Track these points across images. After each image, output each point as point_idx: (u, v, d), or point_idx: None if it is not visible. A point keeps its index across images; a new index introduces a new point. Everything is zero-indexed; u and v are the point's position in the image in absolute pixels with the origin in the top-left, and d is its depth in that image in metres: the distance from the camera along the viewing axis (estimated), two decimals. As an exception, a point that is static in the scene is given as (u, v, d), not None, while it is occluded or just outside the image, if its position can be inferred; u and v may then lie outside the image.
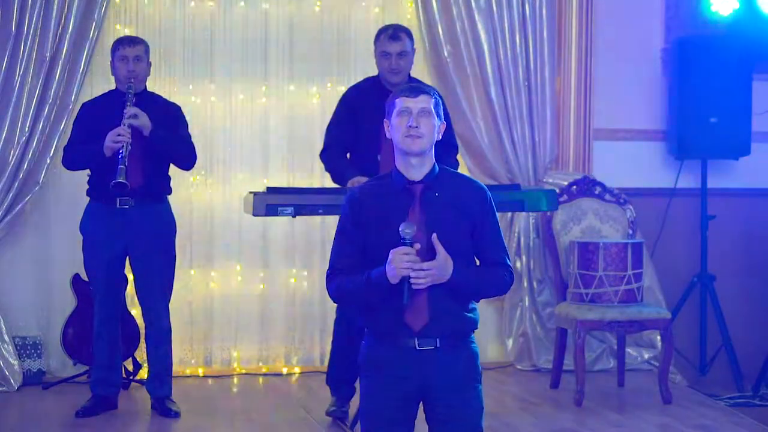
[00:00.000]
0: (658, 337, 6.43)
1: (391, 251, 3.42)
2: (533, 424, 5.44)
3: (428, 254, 3.46)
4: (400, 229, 3.42)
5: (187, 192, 6.49)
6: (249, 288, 6.60)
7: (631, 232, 6.39)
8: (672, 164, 6.93)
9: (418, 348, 3.50)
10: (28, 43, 6.08)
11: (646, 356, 6.72)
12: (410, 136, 3.51)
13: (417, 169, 3.56)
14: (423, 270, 3.41)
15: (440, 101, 3.62)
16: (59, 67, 6.13)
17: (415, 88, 3.60)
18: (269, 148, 6.62)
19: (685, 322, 6.77)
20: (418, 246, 3.43)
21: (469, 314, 3.59)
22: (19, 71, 6.08)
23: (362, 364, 3.64)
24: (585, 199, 6.43)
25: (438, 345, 3.51)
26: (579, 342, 5.80)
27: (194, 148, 5.67)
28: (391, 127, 3.59)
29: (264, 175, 6.54)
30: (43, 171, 6.16)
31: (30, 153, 6.11)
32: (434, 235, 3.44)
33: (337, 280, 3.59)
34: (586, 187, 6.46)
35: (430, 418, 3.60)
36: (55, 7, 6.09)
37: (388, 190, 3.58)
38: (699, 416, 5.62)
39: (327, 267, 3.68)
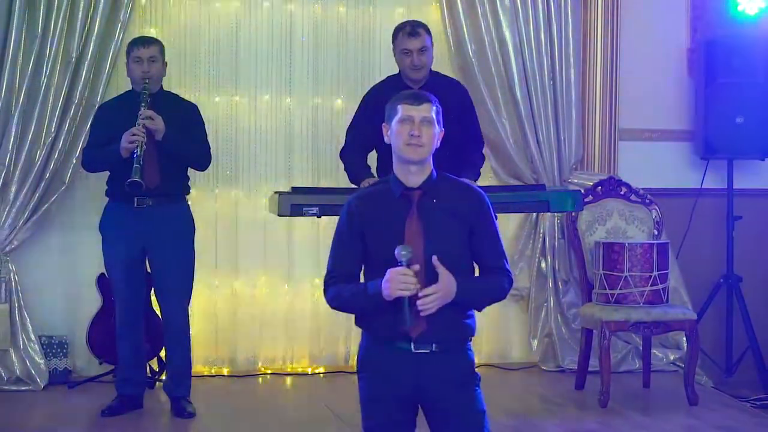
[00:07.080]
0: (684, 339, 6.39)
1: (389, 270, 3.39)
2: (558, 425, 5.43)
3: (427, 267, 3.42)
4: (396, 252, 3.38)
5: (212, 193, 6.50)
6: (274, 288, 6.60)
7: (656, 232, 6.35)
8: (698, 164, 6.90)
9: (414, 351, 3.49)
10: (54, 44, 6.11)
11: (672, 357, 6.69)
12: (412, 145, 3.49)
13: (415, 175, 3.54)
14: (429, 296, 3.37)
15: (441, 108, 3.59)
16: (85, 68, 6.16)
17: (418, 95, 3.58)
18: (294, 149, 6.62)
19: (711, 324, 6.74)
20: (416, 267, 3.40)
21: (466, 321, 3.57)
22: (45, 72, 6.11)
23: (360, 366, 3.64)
24: (610, 200, 6.40)
25: (434, 349, 3.50)
26: (604, 343, 5.77)
27: (209, 149, 5.66)
28: (391, 132, 3.56)
29: (288, 176, 6.54)
30: (69, 171, 6.18)
31: (56, 153, 6.14)
32: (435, 258, 3.40)
33: (335, 288, 3.56)
34: (612, 187, 6.43)
35: (430, 421, 3.59)
36: (81, 8, 6.12)
37: (386, 197, 3.56)
38: (725, 418, 5.60)
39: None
